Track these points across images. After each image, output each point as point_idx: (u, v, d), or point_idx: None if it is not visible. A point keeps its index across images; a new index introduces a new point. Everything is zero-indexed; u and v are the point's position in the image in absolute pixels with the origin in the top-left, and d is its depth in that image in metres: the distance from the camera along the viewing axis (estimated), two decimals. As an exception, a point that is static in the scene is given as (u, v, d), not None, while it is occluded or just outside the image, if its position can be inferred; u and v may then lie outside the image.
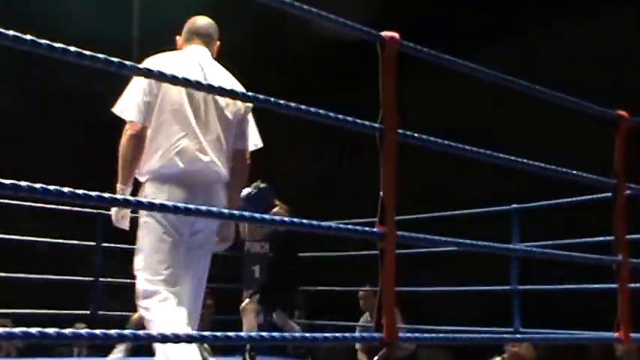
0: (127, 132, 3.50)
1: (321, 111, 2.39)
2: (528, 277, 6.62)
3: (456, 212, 7.38)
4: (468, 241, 2.75)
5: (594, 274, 4.93)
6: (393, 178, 2.44)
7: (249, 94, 2.39)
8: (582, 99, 3.31)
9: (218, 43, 3.88)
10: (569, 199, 5.93)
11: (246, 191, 6.47)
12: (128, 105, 3.52)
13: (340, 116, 2.43)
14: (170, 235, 3.45)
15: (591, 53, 11.87)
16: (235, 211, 2.17)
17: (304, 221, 2.20)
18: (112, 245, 6.80)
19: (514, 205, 6.56)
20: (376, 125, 2.48)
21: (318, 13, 2.44)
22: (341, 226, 2.35)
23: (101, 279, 6.93)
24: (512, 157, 2.88)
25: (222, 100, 3.61)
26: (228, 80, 3.67)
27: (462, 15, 13.47)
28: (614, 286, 3.26)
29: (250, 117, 3.79)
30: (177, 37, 3.89)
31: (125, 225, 3.60)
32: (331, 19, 2.52)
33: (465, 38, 12.93)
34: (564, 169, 3.11)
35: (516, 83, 3.03)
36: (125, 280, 5.92)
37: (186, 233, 3.49)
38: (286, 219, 2.19)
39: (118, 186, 3.51)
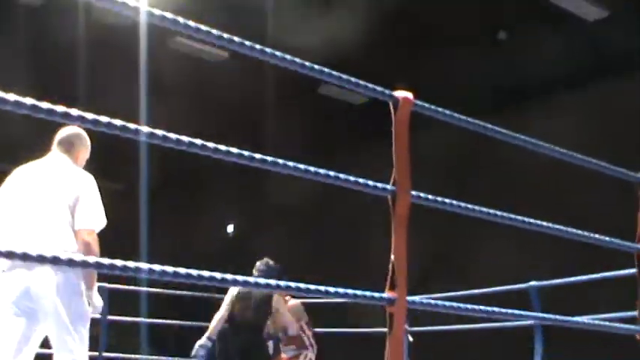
0: None
1: (331, 173, 2.33)
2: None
3: (473, 291, 7.12)
4: (483, 308, 2.64)
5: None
6: (404, 242, 2.35)
7: (269, 158, 2.32)
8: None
9: (83, 149, 4.30)
10: (589, 276, 5.77)
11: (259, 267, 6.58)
12: None
13: (352, 178, 2.35)
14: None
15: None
16: (239, 277, 2.08)
17: (311, 287, 2.11)
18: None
19: (532, 283, 6.36)
20: (388, 187, 2.40)
21: (338, 76, 2.43)
22: (349, 292, 2.25)
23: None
24: (532, 220, 2.78)
25: (58, 187, 3.95)
26: (70, 172, 4.07)
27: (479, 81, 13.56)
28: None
29: (90, 198, 4.02)
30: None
31: None
32: (344, 79, 2.48)
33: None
34: (586, 233, 3.00)
35: (538, 145, 2.96)
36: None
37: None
38: (293, 284, 2.08)
39: None
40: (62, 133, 4.25)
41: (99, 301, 4.05)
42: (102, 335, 6.99)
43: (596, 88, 13.05)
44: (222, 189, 17.26)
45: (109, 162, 14.29)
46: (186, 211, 19.59)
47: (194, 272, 2.02)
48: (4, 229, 3.90)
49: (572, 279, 6.28)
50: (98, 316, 4.09)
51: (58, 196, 3.93)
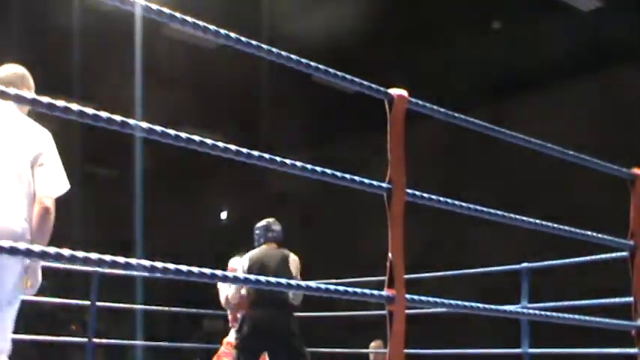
0: None
1: (327, 170, 2.35)
2: (539, 337, 6.50)
3: (466, 271, 7.33)
4: (478, 305, 2.67)
5: (608, 337, 4.81)
6: (401, 240, 2.38)
7: (259, 154, 2.33)
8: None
9: (27, 89, 3.67)
10: (581, 259, 5.83)
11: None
12: None
13: (347, 175, 2.37)
14: None
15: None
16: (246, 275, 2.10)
17: (313, 284, 2.13)
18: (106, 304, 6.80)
19: (524, 264, 6.45)
20: (384, 185, 2.42)
21: (333, 73, 2.44)
22: (350, 289, 2.27)
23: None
24: (524, 218, 2.81)
25: (13, 145, 3.41)
26: (24, 126, 3.49)
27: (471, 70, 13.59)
28: (633, 351, 3.14)
29: (52, 159, 3.52)
30: None
31: None
32: (338, 76, 2.49)
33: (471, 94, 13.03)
34: (579, 230, 3.02)
35: (529, 142, 2.98)
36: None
37: None
38: (294, 282, 2.10)
39: None
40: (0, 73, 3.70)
41: (39, 279, 3.50)
42: (91, 321, 7.00)
43: (591, 78, 13.09)
44: (217, 176, 17.27)
45: (102, 149, 14.33)
46: (181, 198, 19.60)
47: (184, 268, 2.01)
48: None
49: (565, 261, 6.33)
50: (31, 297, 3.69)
51: (14, 156, 3.40)
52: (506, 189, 13.42)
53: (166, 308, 8.90)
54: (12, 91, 1.94)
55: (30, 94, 1.78)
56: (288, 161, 2.28)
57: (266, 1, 12.26)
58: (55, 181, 3.50)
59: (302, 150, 16.56)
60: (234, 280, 2.12)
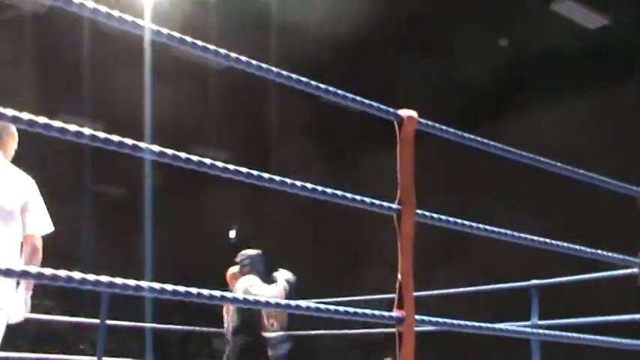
0: None
1: (337, 192, 2.35)
2: (551, 354, 6.46)
3: (475, 288, 7.33)
4: (487, 325, 2.67)
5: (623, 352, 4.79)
6: (411, 260, 2.38)
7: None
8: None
9: (11, 140, 4.13)
10: (590, 275, 5.81)
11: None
12: None
13: (357, 197, 2.38)
14: None
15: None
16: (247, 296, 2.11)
17: (321, 306, 2.13)
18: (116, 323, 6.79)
19: (533, 281, 6.42)
20: (394, 206, 2.43)
21: (342, 95, 2.45)
22: (358, 310, 2.28)
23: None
24: (534, 238, 2.81)
25: (6, 193, 3.90)
26: (12, 175, 4.00)
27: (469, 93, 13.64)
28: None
29: (37, 203, 4.04)
30: None
31: None
32: (348, 98, 2.50)
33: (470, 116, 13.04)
34: (588, 250, 3.02)
35: (536, 160, 2.98)
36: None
37: None
38: (302, 303, 2.11)
39: None
40: None
41: (29, 306, 4.09)
42: (100, 340, 6.99)
43: (597, 93, 13.10)
44: (225, 193, 17.30)
45: (110, 167, 14.37)
46: (188, 216, 19.61)
47: (193, 290, 2.03)
48: None
49: (574, 277, 6.30)
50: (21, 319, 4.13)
51: (7, 203, 3.90)
52: (508, 199, 13.42)
53: (176, 327, 8.88)
54: (25, 116, 1.96)
55: (42, 119, 1.80)
56: (298, 183, 2.28)
57: (275, 18, 12.32)
58: (41, 223, 4.06)
59: (312, 166, 16.59)
60: (245, 302, 2.12)
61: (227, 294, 2.09)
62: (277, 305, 2.08)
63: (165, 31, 2.13)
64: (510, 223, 3.37)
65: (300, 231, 18.34)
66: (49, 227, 4.11)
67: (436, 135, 2.73)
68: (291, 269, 6.08)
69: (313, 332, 8.07)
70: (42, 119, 1.86)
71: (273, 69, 2.41)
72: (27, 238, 3.98)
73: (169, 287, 1.99)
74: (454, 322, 2.50)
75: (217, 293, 2.04)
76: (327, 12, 11.84)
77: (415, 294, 2.37)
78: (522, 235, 2.77)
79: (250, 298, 2.05)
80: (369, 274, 15.50)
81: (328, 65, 12.29)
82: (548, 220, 11.98)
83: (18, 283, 4.00)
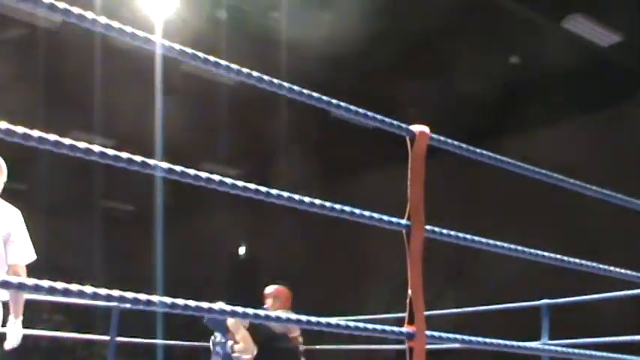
0: None
1: (346, 208, 2.34)
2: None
3: (485, 308, 7.28)
4: (499, 342, 2.65)
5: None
6: (420, 276, 2.37)
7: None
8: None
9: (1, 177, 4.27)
10: (602, 295, 5.77)
11: None
12: None
13: (367, 213, 2.37)
14: None
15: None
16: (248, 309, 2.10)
17: (331, 321, 2.13)
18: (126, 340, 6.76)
19: (544, 300, 6.37)
20: (403, 222, 2.42)
21: (354, 111, 2.44)
22: (369, 326, 2.27)
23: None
24: (546, 254, 2.79)
25: None
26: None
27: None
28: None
29: (21, 233, 4.23)
30: None
31: None
32: (360, 113, 2.50)
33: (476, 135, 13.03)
34: (601, 266, 3.00)
35: (546, 175, 2.97)
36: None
37: None
38: (314, 319, 2.10)
39: None
40: None
41: (21, 332, 4.24)
42: (110, 356, 6.98)
43: (609, 111, 13.08)
44: (234, 209, 17.30)
45: (120, 184, 14.40)
46: (197, 233, 19.61)
47: (204, 305, 2.02)
48: None
49: (585, 297, 6.27)
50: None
51: None
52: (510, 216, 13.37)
53: (185, 343, 8.86)
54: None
55: (53, 136, 1.80)
56: (307, 199, 2.28)
57: (283, 36, 12.36)
58: (24, 253, 4.23)
59: (318, 183, 16.58)
60: (255, 317, 2.11)
61: (238, 308, 2.09)
62: (288, 320, 2.07)
63: (177, 46, 2.14)
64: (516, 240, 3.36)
65: (309, 247, 18.32)
66: (31, 257, 4.29)
67: (438, 153, 2.72)
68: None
69: (318, 347, 7.97)
70: (52, 136, 1.87)
71: (285, 84, 2.41)
72: (10, 268, 4.15)
73: (180, 302, 1.99)
74: (465, 337, 2.49)
75: (227, 307, 2.04)
76: (333, 29, 11.87)
77: (425, 313, 2.36)
78: (532, 250, 2.75)
79: (261, 313, 2.05)
80: (376, 290, 15.47)
81: (330, 81, 12.31)
82: (556, 238, 11.93)
83: (8, 312, 4.20)
